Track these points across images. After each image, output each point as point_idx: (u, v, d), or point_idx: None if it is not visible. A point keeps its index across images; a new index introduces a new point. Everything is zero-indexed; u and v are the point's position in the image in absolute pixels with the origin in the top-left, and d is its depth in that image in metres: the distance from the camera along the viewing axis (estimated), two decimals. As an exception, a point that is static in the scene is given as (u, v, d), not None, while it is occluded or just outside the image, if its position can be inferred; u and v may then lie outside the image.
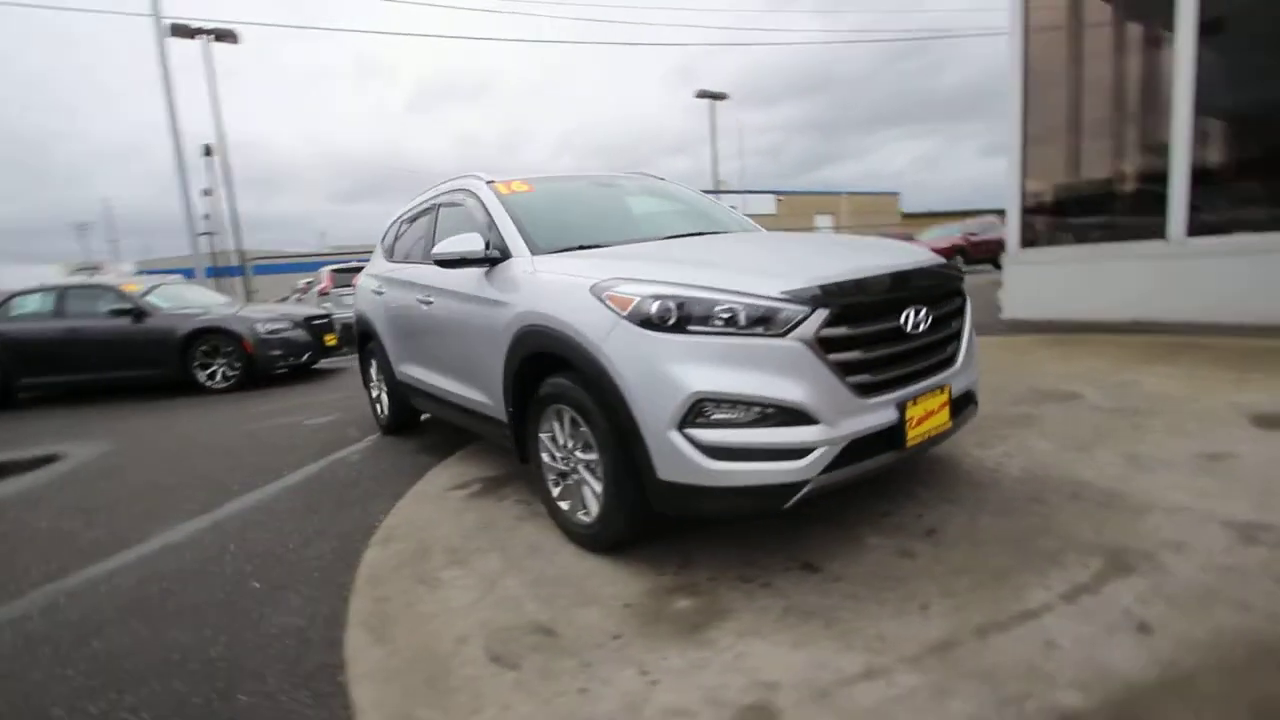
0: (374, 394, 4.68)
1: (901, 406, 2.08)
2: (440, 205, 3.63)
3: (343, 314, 11.40)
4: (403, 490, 3.30)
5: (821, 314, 1.92)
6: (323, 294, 12.44)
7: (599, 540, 2.32)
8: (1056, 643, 1.63)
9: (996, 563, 2.03)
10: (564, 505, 2.50)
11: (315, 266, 14.88)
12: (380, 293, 4.19)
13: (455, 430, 4.33)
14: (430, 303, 3.36)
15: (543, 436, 2.54)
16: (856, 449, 1.98)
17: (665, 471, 1.96)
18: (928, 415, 2.17)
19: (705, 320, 1.94)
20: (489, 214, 2.97)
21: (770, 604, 1.93)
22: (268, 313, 7.79)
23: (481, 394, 2.98)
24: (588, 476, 2.33)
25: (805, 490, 1.92)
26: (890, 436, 2.05)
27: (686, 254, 2.50)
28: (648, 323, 1.98)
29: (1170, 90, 5.64)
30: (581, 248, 2.70)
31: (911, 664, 1.61)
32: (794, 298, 1.92)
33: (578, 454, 2.35)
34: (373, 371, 4.62)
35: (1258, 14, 5.48)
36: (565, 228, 2.94)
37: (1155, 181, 5.87)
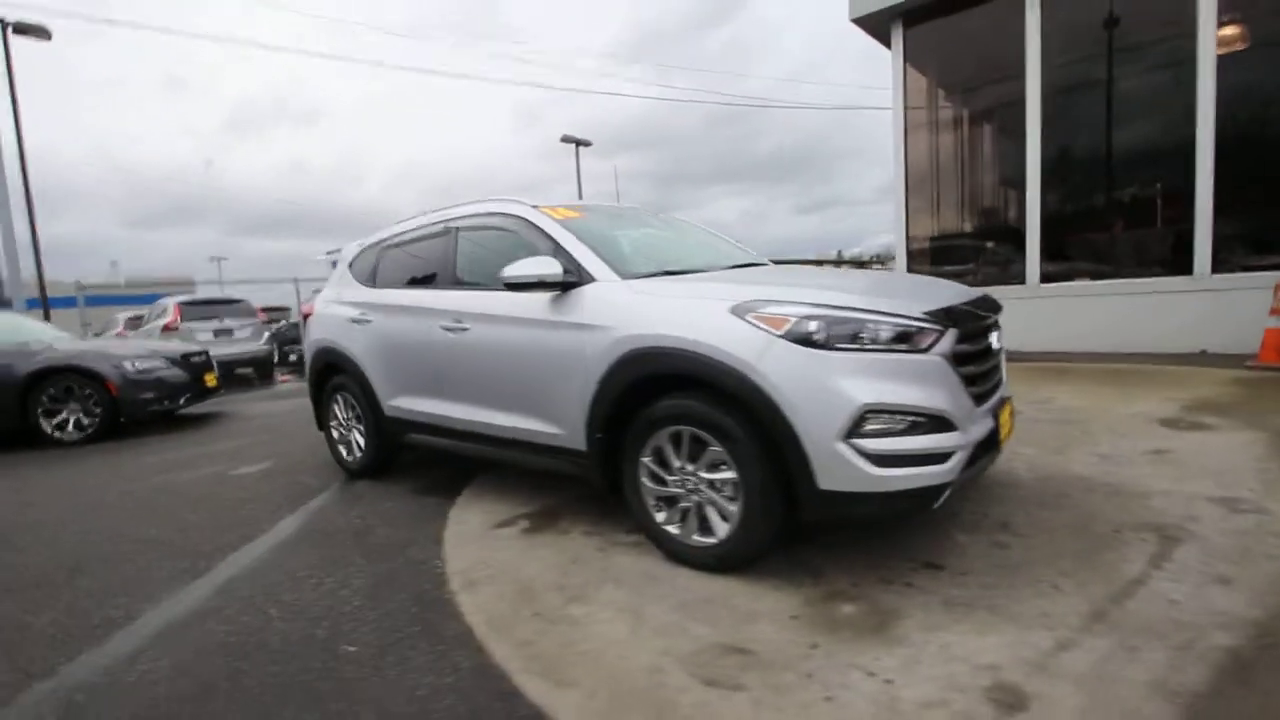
0: (338, 434, 4.19)
1: (996, 414, 2.38)
2: (459, 229, 3.44)
3: (223, 351, 10.07)
4: (434, 534, 3.01)
5: (953, 333, 2.17)
6: (168, 329, 10.75)
7: (729, 559, 2.33)
8: (1174, 599, 1.97)
9: (1077, 545, 2.38)
10: (673, 530, 2.47)
11: (150, 299, 12.80)
12: (364, 320, 3.82)
13: (441, 467, 4.01)
14: (464, 329, 3.16)
15: (644, 461, 2.51)
16: (977, 452, 2.23)
17: (827, 481, 2.06)
18: (1005, 421, 2.50)
19: (855, 338, 2.10)
20: (552, 239, 2.90)
21: (927, 600, 2.09)
22: (135, 349, 6.59)
23: (543, 423, 2.85)
24: (714, 496, 2.34)
25: (948, 491, 2.13)
26: (991, 440, 2.34)
27: (797, 280, 2.65)
28: (807, 341, 2.09)
29: (1024, 169, 6.96)
30: (666, 274, 2.75)
31: (1087, 632, 1.84)
32: (933, 318, 2.15)
33: (702, 474, 2.36)
34: (338, 409, 4.14)
35: (1080, 110, 6.99)
36: (638, 254, 2.97)
37: (1016, 238, 7.16)
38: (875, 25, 7.53)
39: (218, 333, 11.09)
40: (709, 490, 2.35)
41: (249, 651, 2.08)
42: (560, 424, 2.79)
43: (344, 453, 4.18)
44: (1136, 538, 2.40)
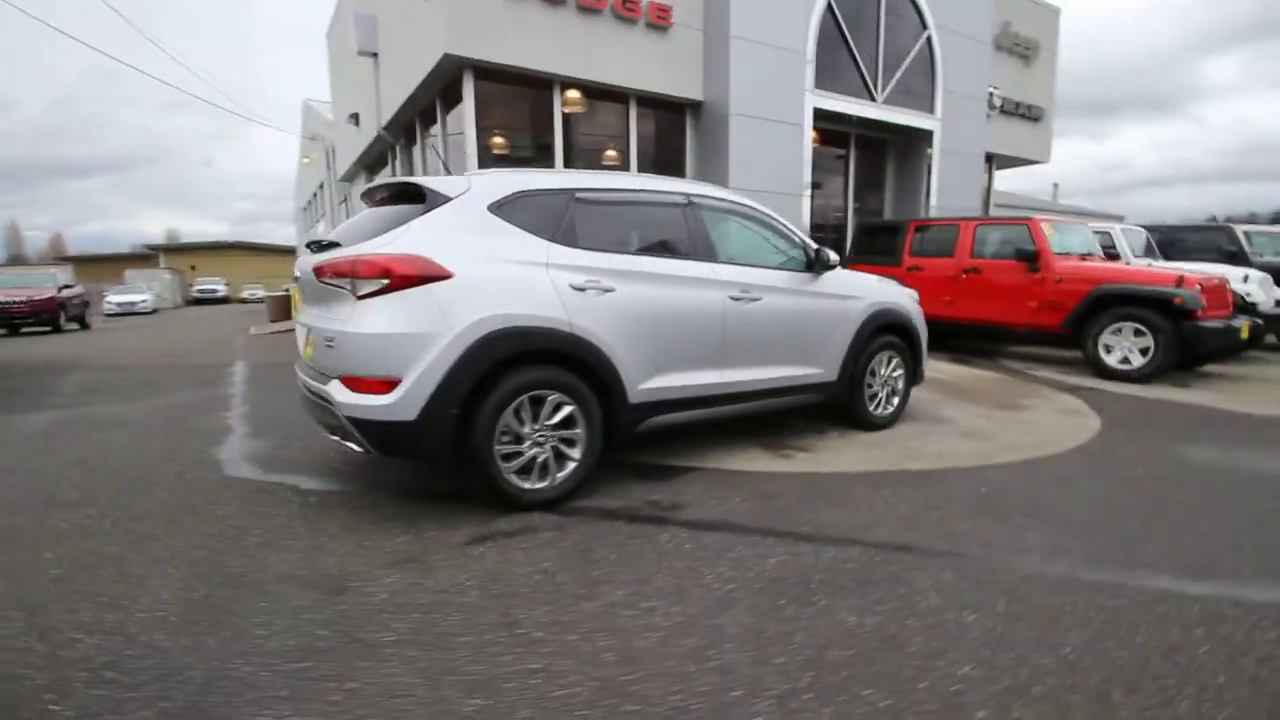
0: (509, 455, 2.82)
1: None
2: (701, 207, 3.55)
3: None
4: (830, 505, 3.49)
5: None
6: None
7: (898, 418, 4.54)
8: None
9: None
10: (879, 411, 4.39)
11: None
12: (596, 289, 3.03)
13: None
14: (755, 299, 3.59)
15: (869, 373, 4.30)
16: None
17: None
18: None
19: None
20: (799, 235, 3.98)
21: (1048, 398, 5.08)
22: None
23: (809, 368, 3.96)
24: (898, 385, 4.48)
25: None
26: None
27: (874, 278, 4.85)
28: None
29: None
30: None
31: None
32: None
33: (892, 374, 4.44)
34: (514, 419, 2.82)
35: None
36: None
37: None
38: (451, 68, 8.32)
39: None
40: (893, 381, 4.48)
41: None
42: (820, 365, 4.02)
43: (520, 482, 2.87)
44: (875, 387, 6.10)
